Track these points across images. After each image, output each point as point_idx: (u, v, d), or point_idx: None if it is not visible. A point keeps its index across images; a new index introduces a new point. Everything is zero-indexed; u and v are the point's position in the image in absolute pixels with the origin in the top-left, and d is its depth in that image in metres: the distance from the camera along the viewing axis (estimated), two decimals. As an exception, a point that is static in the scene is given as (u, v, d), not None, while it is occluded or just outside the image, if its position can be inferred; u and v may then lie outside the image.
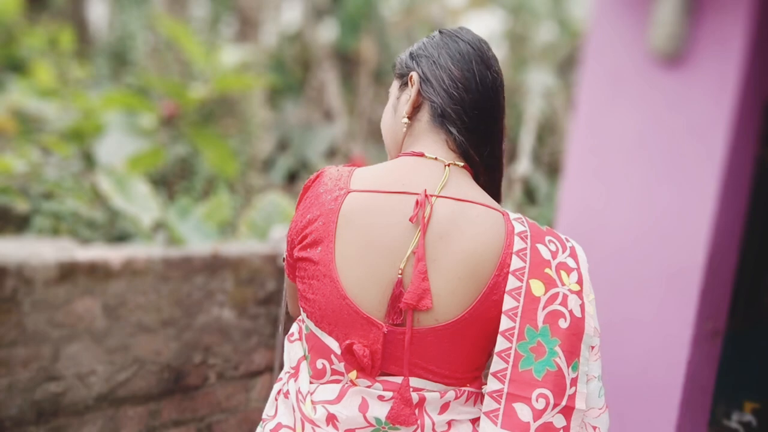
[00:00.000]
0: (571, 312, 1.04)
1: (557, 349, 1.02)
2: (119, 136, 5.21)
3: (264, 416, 1.20)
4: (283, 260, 1.21)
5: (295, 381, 1.12)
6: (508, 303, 1.03)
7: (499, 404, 1.01)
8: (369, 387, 1.05)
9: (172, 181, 6.30)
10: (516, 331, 1.02)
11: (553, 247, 1.08)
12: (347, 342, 1.04)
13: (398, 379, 1.05)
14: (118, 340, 2.06)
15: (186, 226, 4.60)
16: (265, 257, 2.41)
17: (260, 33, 10.14)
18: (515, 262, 1.04)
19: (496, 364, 1.03)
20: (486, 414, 1.03)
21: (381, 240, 1.03)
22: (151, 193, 4.57)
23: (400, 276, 1.02)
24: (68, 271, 1.94)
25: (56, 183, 4.34)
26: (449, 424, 1.07)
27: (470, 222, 1.06)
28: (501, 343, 1.02)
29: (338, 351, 1.07)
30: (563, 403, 1.01)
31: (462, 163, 1.12)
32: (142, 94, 6.36)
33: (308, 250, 1.07)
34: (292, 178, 8.94)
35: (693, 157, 2.23)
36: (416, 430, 1.05)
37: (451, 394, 1.07)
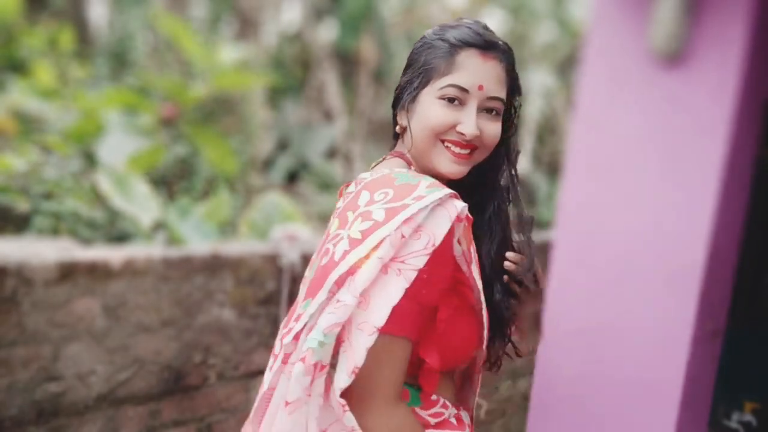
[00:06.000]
0: (333, 254, 1.01)
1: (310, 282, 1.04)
2: (120, 136, 5.22)
3: None
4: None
5: None
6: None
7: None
8: None
9: (172, 181, 6.29)
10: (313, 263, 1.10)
11: (379, 197, 1.03)
12: None
13: None
14: (118, 340, 2.06)
15: (186, 226, 4.60)
16: (265, 257, 2.41)
17: (260, 33, 10.14)
18: (340, 203, 1.11)
19: None
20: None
21: None
22: (151, 193, 4.57)
23: None
24: (68, 271, 1.95)
25: (56, 183, 4.35)
26: None
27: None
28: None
29: None
30: (293, 327, 1.02)
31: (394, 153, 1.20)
32: (142, 93, 6.36)
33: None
34: (292, 178, 8.94)
35: (693, 157, 2.23)
36: None
37: None
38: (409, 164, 1.17)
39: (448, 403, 1.15)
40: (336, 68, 10.00)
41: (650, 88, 2.31)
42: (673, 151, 2.28)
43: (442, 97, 1.11)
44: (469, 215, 1.06)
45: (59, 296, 1.93)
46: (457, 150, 1.12)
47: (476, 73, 1.11)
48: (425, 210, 0.99)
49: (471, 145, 1.13)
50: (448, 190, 1.04)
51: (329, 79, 9.82)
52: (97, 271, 2.00)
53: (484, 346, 1.15)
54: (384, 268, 0.97)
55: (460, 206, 1.03)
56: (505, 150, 1.24)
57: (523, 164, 8.21)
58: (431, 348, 1.07)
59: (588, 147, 2.44)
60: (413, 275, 0.97)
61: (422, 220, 0.99)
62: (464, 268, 1.08)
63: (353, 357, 0.95)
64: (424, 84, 1.13)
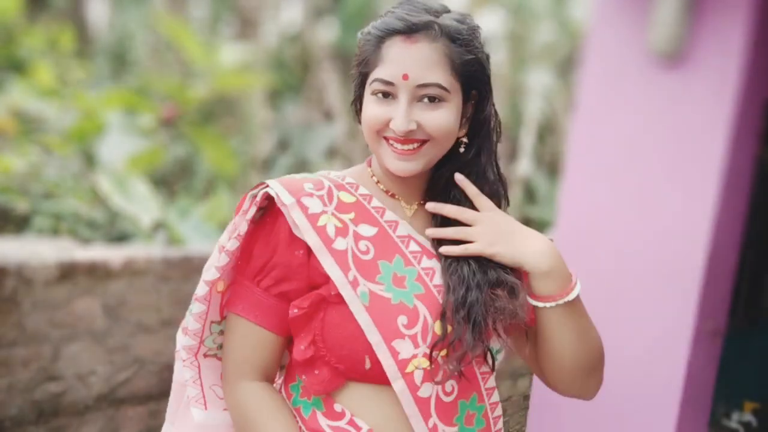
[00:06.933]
0: None
1: None
2: (120, 136, 5.22)
3: None
4: None
5: None
6: None
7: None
8: None
9: (172, 181, 6.29)
10: None
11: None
12: None
13: None
14: (118, 340, 2.06)
15: (186, 226, 4.60)
16: (265, 257, 2.41)
17: (260, 33, 10.14)
18: None
19: None
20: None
21: None
22: (151, 193, 4.57)
23: None
24: (68, 271, 1.95)
25: (56, 183, 4.35)
26: None
27: None
28: None
29: None
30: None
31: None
32: (142, 93, 6.36)
33: None
34: (292, 178, 8.92)
35: (693, 157, 2.23)
36: None
37: None
38: (369, 164, 1.14)
39: (361, 424, 1.01)
40: (336, 68, 9.99)
41: (650, 88, 2.31)
42: (673, 151, 2.29)
43: (374, 93, 1.04)
44: (286, 201, 1.00)
45: (59, 296, 1.93)
46: (399, 146, 1.02)
47: (400, 61, 1.01)
48: (248, 198, 1.06)
49: (414, 140, 1.02)
50: (266, 181, 1.05)
51: (329, 79, 9.82)
52: (97, 271, 2.00)
53: (408, 354, 0.98)
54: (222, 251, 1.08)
55: (257, 192, 1.04)
56: (485, 134, 1.10)
57: (524, 164, 8.20)
58: (303, 341, 1.02)
59: (588, 147, 2.45)
60: (225, 258, 1.06)
61: (246, 208, 1.06)
62: (320, 257, 1.01)
63: None
64: (363, 82, 1.07)
